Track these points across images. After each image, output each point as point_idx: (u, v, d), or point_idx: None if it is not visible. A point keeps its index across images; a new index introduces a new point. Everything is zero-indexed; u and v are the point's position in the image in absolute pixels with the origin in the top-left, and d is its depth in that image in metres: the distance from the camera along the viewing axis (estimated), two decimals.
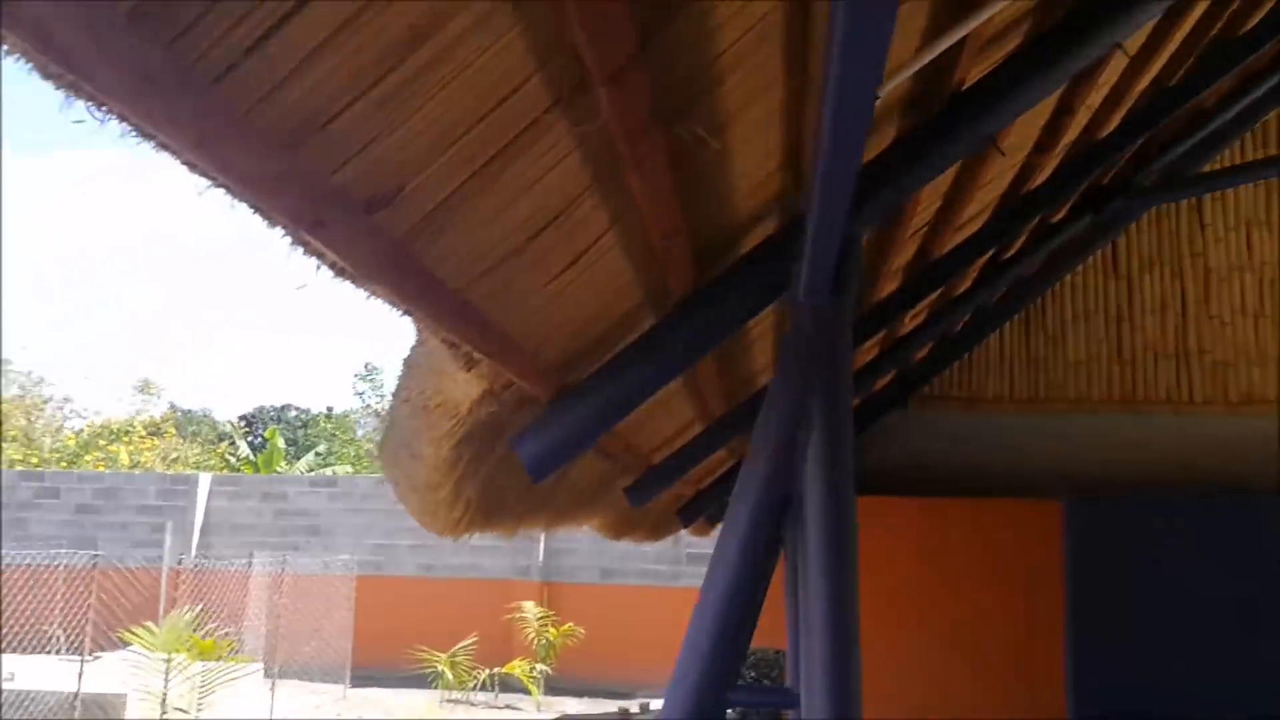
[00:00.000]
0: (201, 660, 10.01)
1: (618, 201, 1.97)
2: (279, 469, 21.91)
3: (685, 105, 1.86)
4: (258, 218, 1.33)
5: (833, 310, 2.38)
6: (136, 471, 20.55)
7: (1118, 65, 3.70)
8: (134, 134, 1.10)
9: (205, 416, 31.88)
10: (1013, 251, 5.44)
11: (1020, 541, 6.34)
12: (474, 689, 14.75)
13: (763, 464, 2.47)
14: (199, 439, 28.33)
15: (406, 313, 1.77)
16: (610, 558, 15.65)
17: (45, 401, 26.76)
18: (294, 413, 32.80)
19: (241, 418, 31.59)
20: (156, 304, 57.78)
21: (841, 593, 2.25)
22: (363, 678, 15.19)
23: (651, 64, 1.57)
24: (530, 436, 2.47)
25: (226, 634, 12.65)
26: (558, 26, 1.41)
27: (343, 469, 23.87)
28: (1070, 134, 4.02)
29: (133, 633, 7.97)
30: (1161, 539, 6.13)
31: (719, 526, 2.73)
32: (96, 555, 10.03)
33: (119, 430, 24.37)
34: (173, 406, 30.63)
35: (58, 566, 11.76)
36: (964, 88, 2.48)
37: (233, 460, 24.23)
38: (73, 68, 0.99)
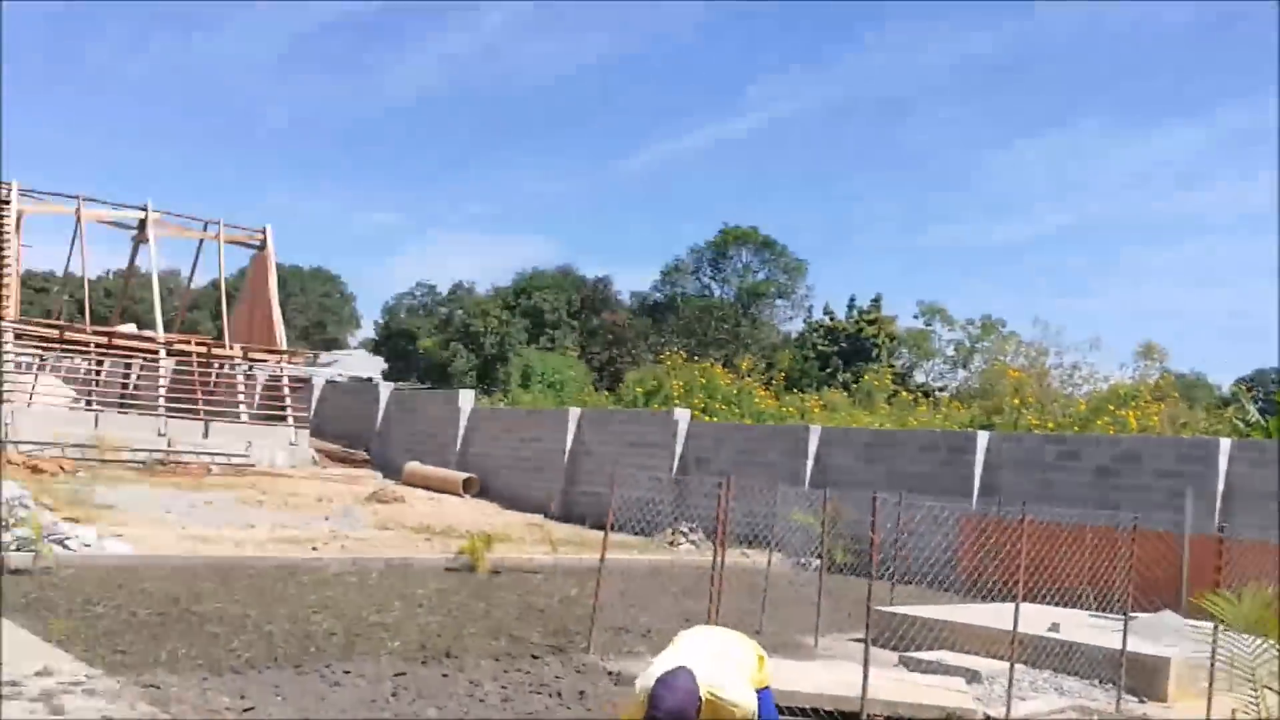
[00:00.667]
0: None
1: None
2: None
3: None
4: None
5: None
6: (1152, 436, 20.53)
7: None
8: None
9: (1200, 380, 30.64)
10: None
11: None
12: None
13: None
14: (1199, 404, 27.28)
15: None
16: None
17: (1053, 369, 28.49)
18: None
19: (1240, 380, 29.53)
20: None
21: None
22: None
23: None
24: None
25: None
26: None
27: None
28: None
29: (1209, 599, 7.78)
30: None
31: None
32: (1135, 517, 10.26)
33: (1126, 394, 24.62)
34: (1165, 371, 29.99)
35: (1083, 526, 12.37)
36: None
37: (1241, 425, 22.70)
38: None
